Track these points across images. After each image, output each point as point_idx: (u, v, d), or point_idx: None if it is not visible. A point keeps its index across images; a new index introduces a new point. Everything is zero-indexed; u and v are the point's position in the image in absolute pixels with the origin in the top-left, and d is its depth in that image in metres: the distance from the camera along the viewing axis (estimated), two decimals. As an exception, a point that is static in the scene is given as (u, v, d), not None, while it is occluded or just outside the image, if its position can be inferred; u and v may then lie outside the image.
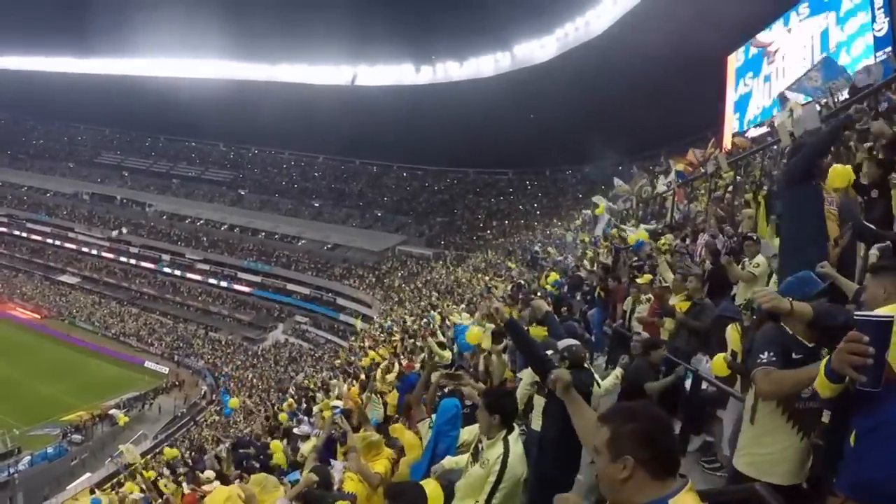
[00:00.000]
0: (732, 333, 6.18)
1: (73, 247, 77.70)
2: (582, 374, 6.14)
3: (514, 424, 4.73)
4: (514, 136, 61.64)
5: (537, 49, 62.70)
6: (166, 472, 19.90)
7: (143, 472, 19.56)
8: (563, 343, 6.32)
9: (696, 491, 2.23)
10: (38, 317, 65.06)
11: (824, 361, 2.54)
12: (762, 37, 32.39)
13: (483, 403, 4.76)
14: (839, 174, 6.23)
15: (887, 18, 23.07)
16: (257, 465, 11.98)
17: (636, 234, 13.83)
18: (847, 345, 2.30)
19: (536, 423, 6.38)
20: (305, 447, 10.81)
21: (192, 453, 26.16)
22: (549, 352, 6.01)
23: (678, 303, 8.54)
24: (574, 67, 56.01)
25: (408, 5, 64.67)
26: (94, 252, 76.14)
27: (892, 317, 2.31)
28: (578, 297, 14.00)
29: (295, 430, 13.94)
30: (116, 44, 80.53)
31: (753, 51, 33.45)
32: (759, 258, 7.85)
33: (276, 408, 22.05)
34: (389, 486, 5.15)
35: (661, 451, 2.18)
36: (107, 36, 79.31)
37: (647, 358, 7.47)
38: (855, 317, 2.43)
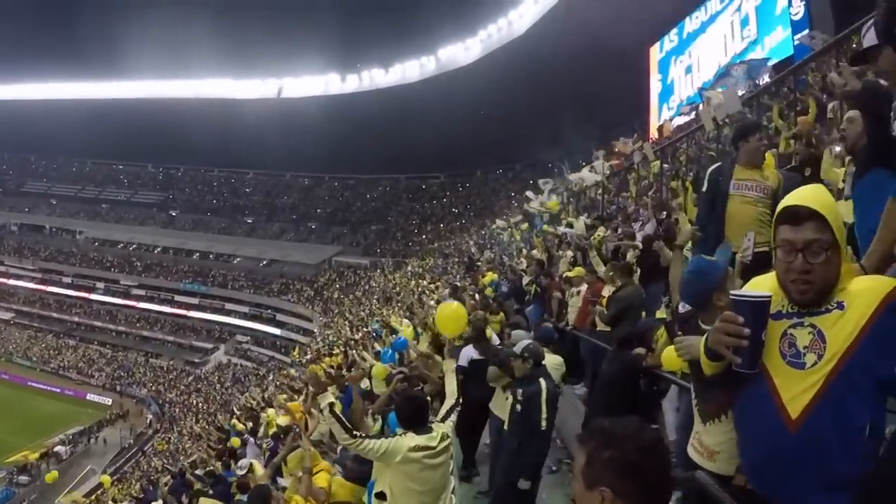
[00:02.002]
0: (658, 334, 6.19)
1: (4, 280, 74.88)
2: (549, 381, 6.37)
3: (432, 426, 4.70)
4: (444, 140, 62.05)
5: (462, 51, 63.39)
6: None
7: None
8: (520, 346, 6.51)
9: None
10: (-28, 357, 62.93)
11: (703, 340, 2.46)
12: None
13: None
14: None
15: (803, 2, 23.89)
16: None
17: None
18: (722, 325, 2.22)
19: (502, 412, 6.74)
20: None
21: (142, 483, 25.91)
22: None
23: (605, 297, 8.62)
24: (499, 68, 56.80)
25: (331, 14, 64.71)
26: (27, 284, 73.84)
27: (769, 296, 2.21)
28: (511, 297, 14.13)
29: (241, 462, 13.34)
30: (34, 67, 78.93)
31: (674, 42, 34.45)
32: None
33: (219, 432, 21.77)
34: None
35: (648, 482, 1.80)
36: (22, 61, 77.70)
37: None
38: (731, 295, 2.29)
